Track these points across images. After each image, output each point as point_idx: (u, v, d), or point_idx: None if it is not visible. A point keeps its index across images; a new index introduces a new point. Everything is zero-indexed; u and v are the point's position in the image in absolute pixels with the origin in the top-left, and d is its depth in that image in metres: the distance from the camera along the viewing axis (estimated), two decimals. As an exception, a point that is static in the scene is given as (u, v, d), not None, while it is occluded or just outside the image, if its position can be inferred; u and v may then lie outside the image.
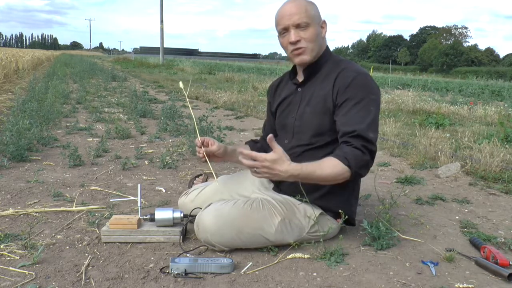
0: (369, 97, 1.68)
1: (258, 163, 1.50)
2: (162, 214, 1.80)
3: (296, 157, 1.77)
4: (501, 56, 69.77)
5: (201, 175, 2.49)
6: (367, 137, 1.62)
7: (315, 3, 1.78)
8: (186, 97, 2.11)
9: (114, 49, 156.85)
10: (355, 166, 1.59)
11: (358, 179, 1.72)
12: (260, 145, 2.07)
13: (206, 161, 1.84)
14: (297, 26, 1.71)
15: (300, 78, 1.85)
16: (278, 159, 1.51)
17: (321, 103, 1.74)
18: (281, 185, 1.86)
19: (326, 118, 1.73)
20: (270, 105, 2.03)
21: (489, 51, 69.26)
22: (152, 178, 2.82)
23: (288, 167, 1.52)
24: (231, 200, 1.78)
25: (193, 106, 7.04)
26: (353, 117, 1.65)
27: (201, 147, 1.85)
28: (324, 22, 1.79)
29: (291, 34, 1.72)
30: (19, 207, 2.18)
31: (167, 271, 1.55)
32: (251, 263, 1.65)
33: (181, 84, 1.90)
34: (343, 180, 1.62)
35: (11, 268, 1.55)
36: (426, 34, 77.99)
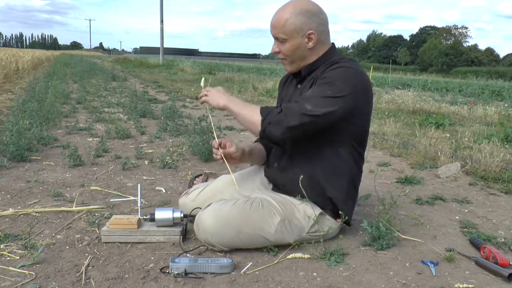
0: (335, 83, 1.63)
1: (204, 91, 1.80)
2: (162, 214, 1.80)
3: (291, 151, 1.79)
4: (501, 56, 69.85)
5: (201, 175, 2.49)
6: (299, 102, 1.63)
7: (305, 12, 1.70)
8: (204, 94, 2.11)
9: (114, 49, 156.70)
10: (266, 118, 1.65)
11: (269, 138, 1.68)
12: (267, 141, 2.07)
13: (224, 162, 1.81)
14: (277, 39, 1.76)
15: (302, 74, 1.86)
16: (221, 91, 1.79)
17: None
18: (281, 185, 1.86)
19: None
20: (279, 97, 2.04)
21: (489, 51, 69.27)
22: (152, 178, 2.82)
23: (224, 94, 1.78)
24: (231, 200, 1.78)
25: (193, 106, 7.05)
26: (305, 94, 1.68)
27: (218, 149, 1.82)
28: (313, 33, 1.71)
29: (273, 45, 1.80)
30: (19, 207, 2.18)
31: (167, 271, 1.55)
32: (251, 263, 1.65)
33: (202, 82, 1.93)
34: (255, 128, 1.69)
35: (11, 268, 1.55)
36: (426, 34, 78.00)
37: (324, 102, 1.61)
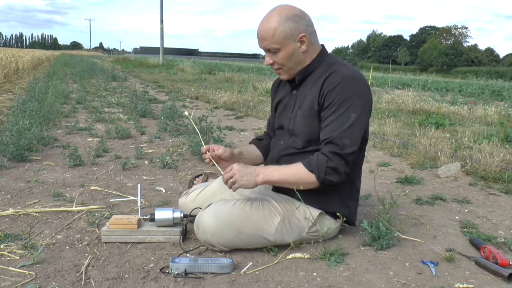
0: (351, 102, 1.65)
1: (230, 172, 1.67)
2: (162, 214, 1.80)
3: (289, 157, 1.78)
4: (501, 56, 69.80)
5: (201, 175, 2.49)
6: (339, 144, 1.63)
7: (292, 17, 1.67)
8: (193, 122, 2.16)
9: (114, 49, 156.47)
10: (319, 171, 1.63)
11: (332, 184, 1.66)
12: (266, 143, 2.07)
13: (214, 165, 1.87)
14: (268, 51, 1.73)
15: (296, 80, 1.85)
16: (242, 164, 1.71)
17: (310, 106, 1.74)
18: (281, 188, 1.85)
19: (315, 122, 1.72)
20: (273, 101, 2.04)
21: (489, 51, 69.26)
22: (152, 178, 2.82)
23: (256, 167, 1.71)
24: (231, 200, 1.78)
25: (193, 106, 7.05)
26: (330, 124, 1.66)
27: (206, 153, 1.86)
28: (304, 36, 1.69)
29: (265, 57, 1.77)
30: (19, 207, 2.18)
31: (167, 271, 1.55)
32: (251, 263, 1.65)
33: (186, 113, 2.06)
34: (311, 185, 1.66)
35: (11, 268, 1.55)
36: (426, 34, 77.94)
37: (355, 129, 1.66)
